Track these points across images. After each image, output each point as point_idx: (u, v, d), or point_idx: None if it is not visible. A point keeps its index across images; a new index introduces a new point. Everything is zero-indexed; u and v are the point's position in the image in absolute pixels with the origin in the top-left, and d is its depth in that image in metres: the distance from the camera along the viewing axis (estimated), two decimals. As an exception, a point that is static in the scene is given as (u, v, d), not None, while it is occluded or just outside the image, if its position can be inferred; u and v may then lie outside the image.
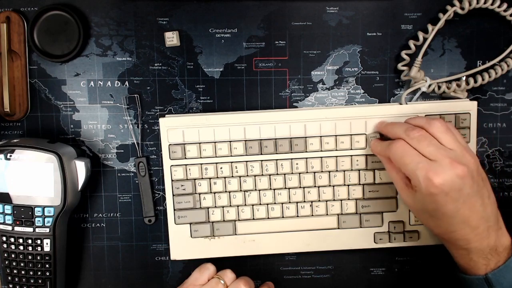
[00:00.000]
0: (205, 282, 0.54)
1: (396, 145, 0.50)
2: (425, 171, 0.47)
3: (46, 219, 0.55)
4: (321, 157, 0.58)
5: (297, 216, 0.59)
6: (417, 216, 0.54)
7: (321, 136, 0.58)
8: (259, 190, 0.58)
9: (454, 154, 0.48)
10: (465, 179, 0.47)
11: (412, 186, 0.50)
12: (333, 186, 0.58)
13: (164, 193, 0.59)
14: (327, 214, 0.59)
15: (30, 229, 0.55)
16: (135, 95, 0.60)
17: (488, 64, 0.60)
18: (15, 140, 0.56)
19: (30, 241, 0.56)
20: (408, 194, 0.51)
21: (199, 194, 0.58)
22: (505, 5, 0.58)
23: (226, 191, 0.58)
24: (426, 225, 0.53)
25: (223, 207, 0.59)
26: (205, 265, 0.55)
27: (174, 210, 0.59)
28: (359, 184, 0.58)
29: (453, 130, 0.51)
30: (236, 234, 0.59)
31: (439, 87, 0.59)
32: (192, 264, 0.60)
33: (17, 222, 0.55)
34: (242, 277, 0.54)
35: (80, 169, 0.56)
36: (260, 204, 0.59)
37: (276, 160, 0.58)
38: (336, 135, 0.58)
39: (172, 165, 0.58)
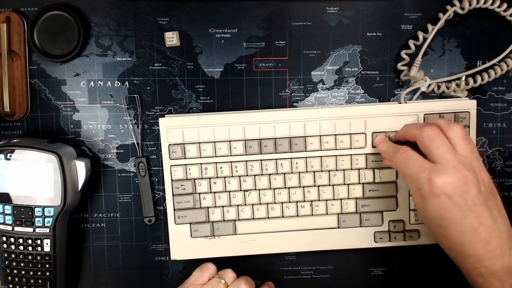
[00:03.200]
0: (206, 281, 0.54)
1: (400, 151, 0.50)
2: (428, 172, 0.46)
3: (46, 219, 0.55)
4: (321, 157, 0.58)
5: (297, 215, 0.59)
6: (429, 228, 0.50)
7: (320, 136, 0.58)
8: (259, 190, 0.58)
9: (463, 160, 0.46)
10: (469, 185, 0.45)
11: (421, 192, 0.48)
12: (333, 185, 0.58)
13: (164, 193, 0.59)
14: (327, 214, 0.59)
15: (30, 229, 0.55)
16: (135, 95, 0.60)
17: (488, 64, 0.60)
18: (15, 140, 0.56)
19: (30, 241, 0.56)
20: (418, 199, 0.49)
21: (199, 194, 0.58)
22: (505, 5, 0.58)
23: (226, 191, 0.58)
24: (437, 240, 0.50)
25: (223, 207, 0.59)
26: (206, 265, 0.55)
27: (174, 210, 0.59)
28: (359, 183, 0.58)
29: (470, 139, 0.49)
30: (236, 234, 0.59)
31: (438, 87, 0.59)
32: (192, 264, 0.60)
33: (17, 222, 0.55)
34: (243, 276, 0.54)
35: (80, 169, 0.56)
36: (260, 203, 0.59)
37: (276, 159, 0.58)
38: (335, 135, 0.58)
39: (172, 165, 0.58)
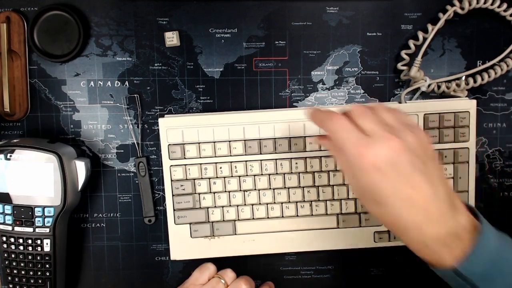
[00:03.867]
0: (206, 281, 0.54)
1: (335, 117, 0.44)
2: (355, 145, 0.42)
3: (46, 219, 0.55)
4: (321, 157, 0.58)
5: (297, 215, 0.59)
6: (367, 207, 0.45)
7: (320, 136, 0.57)
8: (259, 190, 0.58)
9: (393, 130, 0.42)
10: (401, 153, 0.41)
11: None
12: (333, 185, 0.58)
13: (164, 193, 0.59)
14: (326, 214, 0.59)
15: (30, 229, 0.55)
16: (135, 95, 0.60)
17: (488, 64, 0.60)
18: (15, 140, 0.56)
19: (30, 241, 0.56)
20: (348, 175, 0.45)
21: (199, 194, 0.58)
22: (505, 5, 0.58)
23: (225, 191, 0.58)
24: (378, 218, 0.45)
25: (222, 207, 0.59)
26: (206, 265, 0.55)
27: (174, 210, 0.59)
28: (359, 184, 0.58)
29: (397, 110, 0.46)
30: (236, 234, 0.59)
31: (438, 87, 0.59)
32: (192, 264, 0.60)
33: (17, 222, 0.55)
34: (243, 276, 0.54)
35: (80, 169, 0.56)
36: (259, 203, 0.59)
37: (276, 159, 0.58)
38: (335, 135, 0.58)
39: (171, 165, 0.58)
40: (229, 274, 0.54)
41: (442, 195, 0.42)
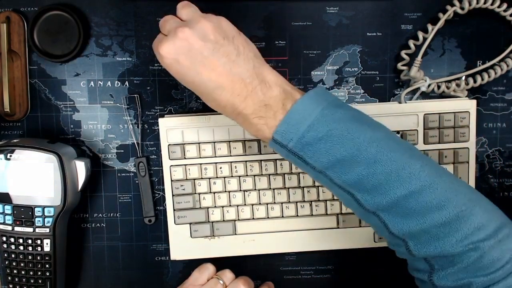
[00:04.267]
0: (205, 282, 0.54)
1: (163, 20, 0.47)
2: (155, 45, 0.45)
3: (46, 219, 0.55)
4: (321, 157, 0.58)
5: (297, 215, 0.59)
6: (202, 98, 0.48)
7: None
8: (259, 190, 0.58)
9: (185, 24, 0.45)
10: (190, 39, 0.43)
11: None
12: (333, 185, 0.58)
13: (164, 193, 0.59)
14: (326, 214, 0.59)
15: (30, 229, 0.55)
16: (135, 95, 0.60)
17: (488, 64, 0.60)
18: (15, 140, 0.56)
19: (30, 241, 0.56)
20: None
21: (199, 194, 0.58)
22: (505, 5, 0.58)
23: (225, 191, 0.58)
24: (209, 105, 0.48)
25: (222, 207, 0.59)
26: (205, 265, 0.55)
27: (174, 210, 0.59)
28: (359, 184, 0.58)
29: (193, 7, 0.47)
30: (236, 234, 0.59)
31: (438, 87, 0.59)
32: (192, 264, 0.60)
33: (17, 222, 0.55)
34: (241, 277, 0.55)
35: (80, 169, 0.56)
36: (259, 203, 0.59)
37: (276, 159, 0.58)
38: (335, 135, 0.58)
39: (171, 165, 0.58)
40: (227, 274, 0.54)
41: (245, 71, 0.44)
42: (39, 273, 0.56)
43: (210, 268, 0.55)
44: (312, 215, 0.59)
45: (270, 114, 0.44)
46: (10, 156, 0.54)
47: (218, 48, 0.44)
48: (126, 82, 0.60)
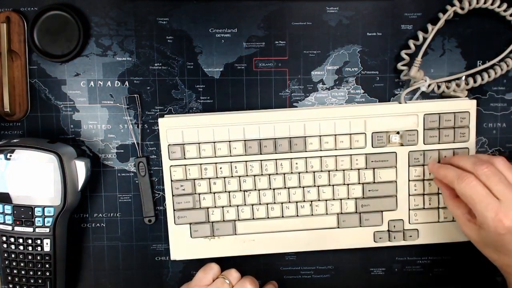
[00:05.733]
0: (210, 282, 0.53)
1: (466, 181, 0.50)
2: (495, 213, 0.47)
3: (46, 219, 0.55)
4: (321, 157, 0.58)
5: (297, 215, 0.59)
6: (480, 248, 0.53)
7: (320, 136, 0.58)
8: (259, 190, 0.58)
9: None
10: None
11: (475, 222, 0.51)
12: (333, 185, 0.58)
13: (164, 193, 0.59)
14: (326, 214, 0.59)
15: (30, 229, 0.55)
16: (135, 95, 0.60)
17: (488, 64, 0.60)
18: (15, 140, 0.56)
19: (30, 241, 0.56)
20: (472, 229, 0.52)
21: (199, 194, 0.58)
22: (505, 5, 0.58)
23: (225, 191, 0.58)
24: (487, 256, 0.53)
25: (222, 207, 0.59)
26: (209, 265, 0.55)
27: (174, 210, 0.59)
28: (359, 183, 0.58)
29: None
30: (236, 234, 0.59)
31: (438, 87, 0.59)
32: (192, 264, 0.60)
33: (17, 222, 0.55)
34: (247, 276, 0.54)
35: (80, 169, 0.56)
36: (259, 204, 0.59)
37: (276, 160, 0.58)
38: (335, 135, 0.58)
39: (171, 165, 0.58)
40: (233, 274, 0.54)
41: None
42: (39, 273, 0.56)
43: (214, 268, 0.54)
44: (312, 215, 0.59)
45: None
46: (10, 156, 0.54)
47: None
48: (126, 82, 0.60)
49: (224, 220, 0.59)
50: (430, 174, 0.58)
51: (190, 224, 0.59)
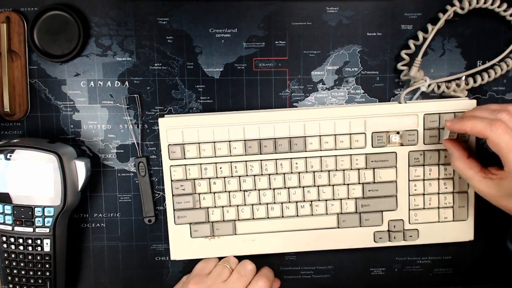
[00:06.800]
0: (210, 271, 0.55)
1: (501, 127, 0.48)
2: None
3: (46, 219, 0.55)
4: (321, 157, 0.58)
5: (297, 215, 0.59)
6: (497, 202, 0.52)
7: (320, 136, 0.58)
8: (259, 190, 0.58)
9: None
10: None
11: (492, 176, 0.51)
12: (333, 185, 0.58)
13: (164, 193, 0.59)
14: (326, 214, 0.59)
15: (30, 229, 0.55)
16: (135, 95, 0.60)
17: (488, 64, 0.60)
18: (15, 140, 0.56)
19: (30, 241, 0.56)
20: (489, 184, 0.51)
21: (199, 194, 0.58)
22: (505, 5, 0.58)
23: (225, 191, 0.58)
24: (503, 207, 0.52)
25: (222, 207, 0.59)
26: (209, 258, 0.58)
27: (174, 210, 0.59)
28: (359, 183, 0.58)
29: None
30: (236, 234, 0.59)
31: (438, 87, 0.59)
32: (192, 264, 0.60)
33: (17, 222, 0.55)
34: (262, 272, 0.56)
35: (80, 169, 0.56)
36: (259, 203, 0.59)
37: (276, 159, 0.58)
38: (335, 135, 0.58)
39: (171, 165, 0.58)
40: (232, 259, 0.57)
41: None
42: (39, 273, 0.56)
43: (214, 260, 0.57)
44: (312, 215, 0.59)
45: None
46: (10, 156, 0.54)
47: None
48: (126, 82, 0.60)
49: (224, 220, 0.59)
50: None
51: (190, 224, 0.59)
